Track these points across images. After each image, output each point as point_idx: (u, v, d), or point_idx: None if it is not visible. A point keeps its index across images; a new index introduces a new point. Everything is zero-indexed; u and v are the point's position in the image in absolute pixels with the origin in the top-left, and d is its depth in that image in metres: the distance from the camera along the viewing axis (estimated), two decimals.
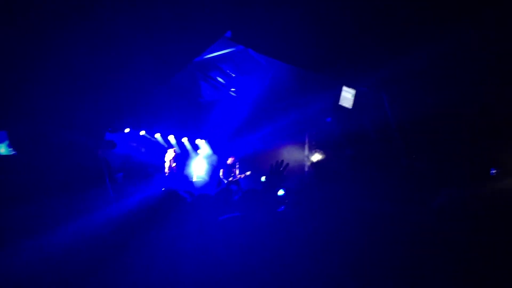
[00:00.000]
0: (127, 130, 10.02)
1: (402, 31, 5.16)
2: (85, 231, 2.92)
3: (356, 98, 8.70)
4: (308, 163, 11.46)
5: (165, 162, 11.07)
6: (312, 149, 11.58)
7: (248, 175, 10.67)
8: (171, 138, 11.63)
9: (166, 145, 11.56)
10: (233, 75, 9.62)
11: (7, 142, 4.12)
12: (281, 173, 2.49)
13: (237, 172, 10.71)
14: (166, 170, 10.99)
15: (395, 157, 8.27)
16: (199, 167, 12.24)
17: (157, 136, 11.31)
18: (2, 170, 3.70)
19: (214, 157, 12.53)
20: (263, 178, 9.58)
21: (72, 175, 3.74)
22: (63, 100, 3.81)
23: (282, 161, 2.55)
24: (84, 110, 4.03)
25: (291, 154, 11.51)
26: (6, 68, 3.34)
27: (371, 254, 2.09)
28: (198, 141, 12.44)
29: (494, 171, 7.15)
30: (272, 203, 2.38)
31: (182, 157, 12.08)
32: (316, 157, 11.35)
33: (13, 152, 3.85)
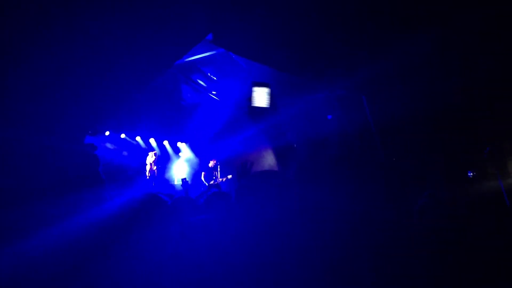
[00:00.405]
0: (107, 133, 9.89)
1: (380, 34, 5.26)
2: (64, 236, 2.87)
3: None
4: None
5: (146, 165, 10.97)
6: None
7: (229, 179, 10.65)
8: (152, 141, 11.54)
9: (147, 148, 11.45)
10: (215, 78, 9.61)
11: None
12: (248, 174, 2.50)
13: (219, 175, 10.69)
14: (147, 173, 10.89)
15: (375, 159, 8.39)
16: (180, 170, 12.18)
17: (138, 139, 11.19)
18: None
19: (196, 160, 12.47)
20: None
21: (51, 180, 3.67)
22: (41, 103, 3.74)
23: (246, 161, 2.56)
24: (62, 113, 3.97)
25: (273, 157, 11.53)
26: None
27: (353, 256, 2.11)
28: (179, 144, 12.37)
29: (471, 174, 7.36)
30: (245, 204, 2.37)
31: (163, 160, 11.98)
32: (297, 158, 11.41)
33: None
